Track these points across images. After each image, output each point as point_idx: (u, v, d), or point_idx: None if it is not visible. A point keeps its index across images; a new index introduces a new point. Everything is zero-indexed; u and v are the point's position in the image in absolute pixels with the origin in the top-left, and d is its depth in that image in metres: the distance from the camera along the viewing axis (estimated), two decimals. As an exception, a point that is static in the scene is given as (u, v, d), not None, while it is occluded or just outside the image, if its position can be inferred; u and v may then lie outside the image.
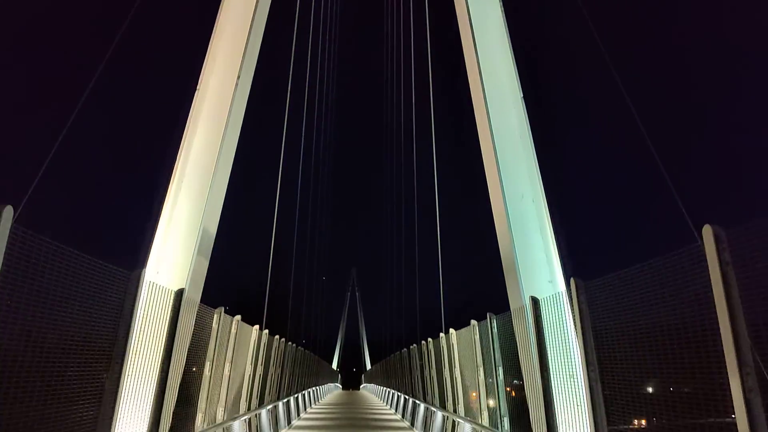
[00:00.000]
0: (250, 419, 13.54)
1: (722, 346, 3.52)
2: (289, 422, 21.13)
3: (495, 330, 9.60)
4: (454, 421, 13.32)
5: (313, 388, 35.30)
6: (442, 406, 15.21)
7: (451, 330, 13.42)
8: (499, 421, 9.27)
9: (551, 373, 8.62)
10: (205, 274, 10.74)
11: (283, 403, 19.82)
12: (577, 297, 5.91)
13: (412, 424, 21.08)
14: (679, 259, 3.89)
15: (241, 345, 12.19)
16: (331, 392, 57.41)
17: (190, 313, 8.70)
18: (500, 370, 9.48)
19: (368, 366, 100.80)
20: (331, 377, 63.49)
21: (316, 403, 36.73)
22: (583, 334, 5.80)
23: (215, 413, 10.32)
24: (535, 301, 7.44)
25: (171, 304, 7.10)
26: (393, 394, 32.53)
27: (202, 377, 9.35)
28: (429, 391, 17.76)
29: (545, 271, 10.52)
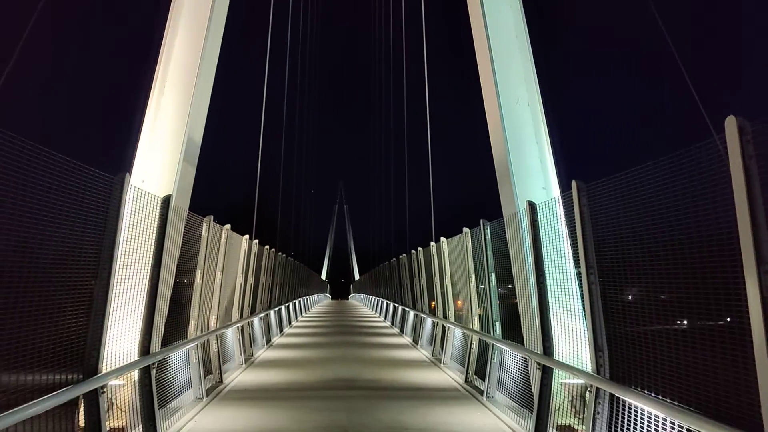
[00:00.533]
0: (242, 327, 13.68)
1: (740, 245, 3.36)
2: (281, 330, 21.55)
3: (488, 236, 9.52)
4: (444, 327, 13.53)
5: (304, 298, 35.92)
6: (432, 314, 15.44)
7: (442, 238, 13.41)
8: (491, 325, 9.36)
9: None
10: (192, 183, 10.48)
11: (275, 312, 20.09)
12: (578, 199, 5.73)
13: (402, 330, 21.56)
14: (696, 153, 3.67)
15: (232, 254, 12.10)
16: (321, 302, 58.67)
17: (179, 221, 8.51)
18: (492, 276, 9.48)
19: (357, 277, 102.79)
20: (320, 288, 64.75)
21: (307, 312, 37.50)
22: (584, 236, 5.67)
23: (208, 321, 10.35)
24: (532, 206, 7.29)
25: (159, 211, 6.87)
26: (382, 303, 33.19)
27: (193, 286, 9.28)
28: (419, 299, 18.01)
29: (539, 178, 10.36)
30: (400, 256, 21.92)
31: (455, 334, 12.79)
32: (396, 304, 24.82)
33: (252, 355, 14.31)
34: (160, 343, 7.68)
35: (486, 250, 9.62)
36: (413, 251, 18.54)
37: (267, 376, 11.70)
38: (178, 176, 9.63)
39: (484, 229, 9.66)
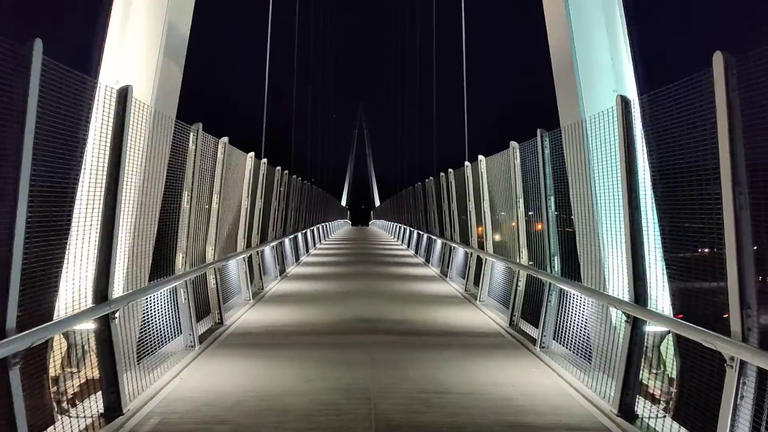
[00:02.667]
0: (250, 257, 12.06)
1: None
2: (297, 259, 19.98)
3: (547, 150, 7.59)
4: (480, 259, 11.76)
5: (322, 225, 34.45)
6: (466, 243, 13.67)
7: (480, 156, 11.45)
8: (547, 260, 7.57)
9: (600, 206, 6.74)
10: (179, 86, 8.54)
11: (290, 240, 18.51)
12: (726, 78, 3.76)
13: (427, 260, 19.92)
14: None
15: (234, 175, 10.31)
16: (340, 228, 57.51)
17: (162, 130, 6.69)
18: (551, 201, 7.61)
19: (377, 203, 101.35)
20: (340, 214, 63.53)
21: (326, 238, 36.13)
22: (731, 137, 3.73)
23: (204, 253, 8.67)
24: (626, 102, 5.31)
25: (114, 109, 5.03)
26: (404, 230, 31.59)
27: (180, 210, 7.54)
28: (448, 226, 16.23)
29: (609, 78, 8.26)
30: (427, 180, 20.01)
31: (495, 268, 11.03)
32: (421, 232, 23.13)
33: (262, 289, 12.75)
34: (131, 283, 6.01)
35: (544, 168, 7.68)
36: (442, 174, 16.62)
37: (276, 314, 10.11)
38: (158, 75, 7.69)
39: (542, 142, 7.69)
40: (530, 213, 9.08)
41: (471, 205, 12.83)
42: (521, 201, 9.04)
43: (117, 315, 5.12)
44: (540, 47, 9.81)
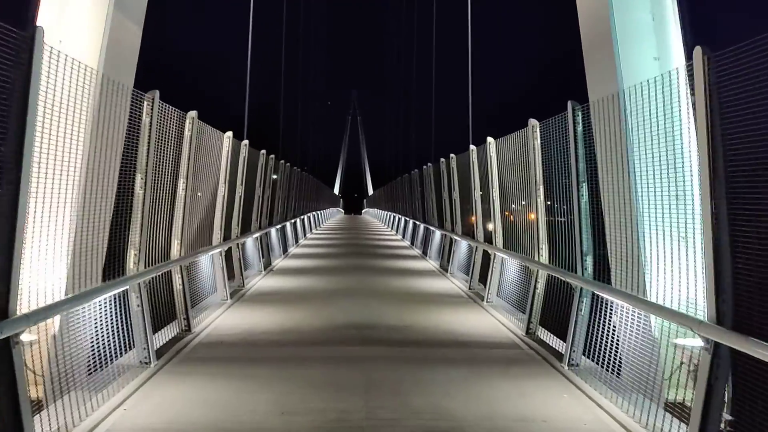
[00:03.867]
0: (229, 250, 10.74)
1: None
2: (285, 250, 18.69)
3: (579, 128, 6.27)
4: (489, 255, 10.45)
5: (314, 213, 33.11)
6: (470, 236, 12.36)
7: (489, 138, 10.11)
8: (579, 260, 6.27)
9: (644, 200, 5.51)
10: (137, 49, 7.14)
11: (277, 230, 17.17)
12: None
13: (425, 252, 18.62)
14: None
15: (207, 157, 8.95)
16: (333, 217, 56.21)
17: (113, 98, 5.35)
18: (584, 189, 6.31)
19: (370, 191, 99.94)
20: (333, 202, 62.18)
21: (318, 227, 34.81)
22: None
23: (168, 249, 7.32)
24: (708, 57, 3.98)
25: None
26: (398, 219, 30.30)
27: (133, 198, 6.19)
28: (448, 217, 14.93)
29: (650, 43, 6.93)
30: (425, 166, 18.67)
31: (506, 265, 9.73)
32: (417, 222, 21.82)
33: (242, 286, 11.41)
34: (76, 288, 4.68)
35: (576, 148, 6.35)
36: (442, 159, 15.27)
37: (256, 318, 8.79)
38: (107, 33, 6.31)
39: (573, 117, 6.34)
40: (547, 203, 7.79)
41: (476, 194, 11.52)
42: (541, 189, 7.73)
43: (21, 338, 3.77)
44: (548, 25, 8.47)
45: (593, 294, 6.17)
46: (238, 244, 11.58)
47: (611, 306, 5.91)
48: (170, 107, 6.82)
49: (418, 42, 38.61)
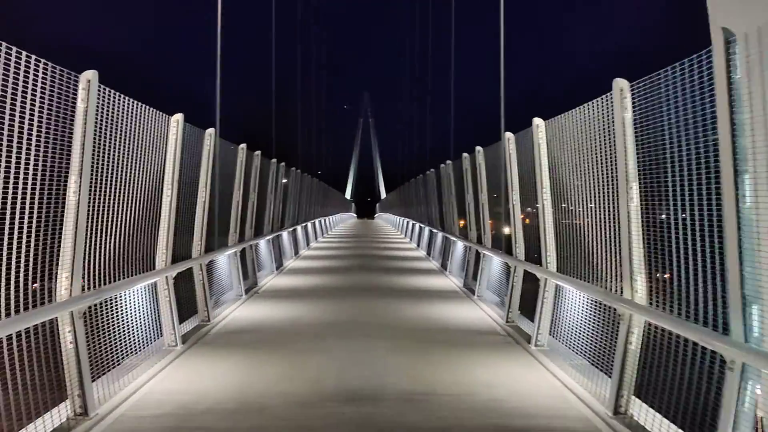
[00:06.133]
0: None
1: None
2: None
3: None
4: (542, 281, 7.63)
5: (324, 219, 30.59)
6: (505, 252, 9.58)
7: (536, 120, 7.32)
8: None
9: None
10: None
11: (267, 241, 14.48)
12: None
13: (444, 266, 15.84)
14: None
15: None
16: (344, 221, 53.60)
17: None
18: (746, 184, 3.58)
19: (383, 195, 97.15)
20: (344, 207, 59.60)
21: (327, 233, 32.16)
22: None
23: (94, 269, 4.68)
24: None
25: None
26: (412, 225, 27.56)
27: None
28: (472, 224, 12.19)
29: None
30: (442, 165, 15.85)
31: (565, 296, 6.91)
32: (434, 230, 19.04)
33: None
34: None
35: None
36: (465, 155, 12.51)
37: (211, 383, 6.06)
38: None
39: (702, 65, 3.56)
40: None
41: (513, 196, 8.75)
42: (635, 186, 4.94)
43: None
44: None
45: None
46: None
47: None
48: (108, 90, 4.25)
49: (432, 40, 35.81)
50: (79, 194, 4.74)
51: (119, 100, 5.37)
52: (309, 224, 24.30)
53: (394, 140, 68.26)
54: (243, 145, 11.07)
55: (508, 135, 8.77)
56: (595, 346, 5.76)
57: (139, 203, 6.21)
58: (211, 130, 8.61)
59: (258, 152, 12.47)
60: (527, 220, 10.78)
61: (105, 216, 5.35)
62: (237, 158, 10.92)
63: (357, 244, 27.89)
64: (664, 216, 4.56)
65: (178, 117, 7.13)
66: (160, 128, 6.71)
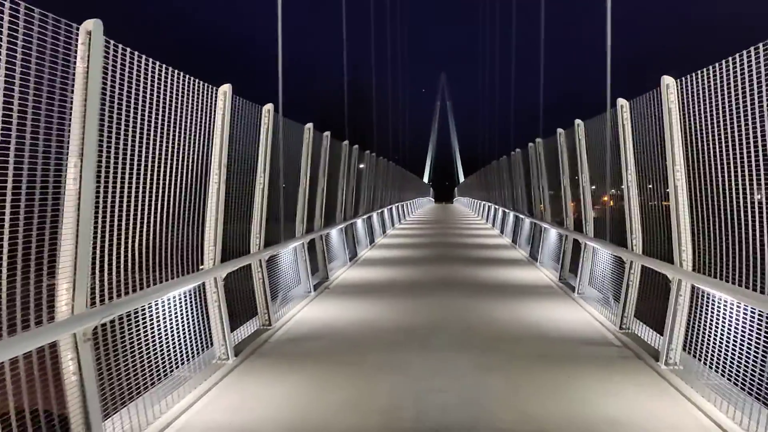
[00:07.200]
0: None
1: None
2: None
3: None
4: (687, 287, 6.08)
5: (400, 204, 29.57)
6: (607, 239, 8.02)
7: (666, 78, 5.76)
8: None
9: None
10: None
11: (339, 230, 13.42)
12: None
13: (534, 257, 14.30)
14: None
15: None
16: (423, 207, 52.47)
17: None
18: None
19: (461, 179, 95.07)
20: (422, 191, 58.35)
21: (405, 218, 31.11)
22: None
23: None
24: None
25: None
26: (494, 210, 25.99)
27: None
28: (568, 211, 10.64)
29: None
30: (533, 143, 14.21)
31: (710, 302, 5.36)
32: (520, 215, 17.47)
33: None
34: None
35: None
36: (559, 130, 10.92)
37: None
38: None
39: None
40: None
41: (630, 176, 7.18)
42: None
43: None
44: None
45: None
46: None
47: None
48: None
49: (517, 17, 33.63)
50: (81, 180, 3.67)
51: (134, 59, 4.27)
52: (386, 210, 23.31)
53: (473, 123, 66.16)
54: (309, 125, 9.95)
55: (622, 102, 7.19)
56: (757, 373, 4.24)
57: (173, 191, 5.14)
58: (269, 106, 7.52)
59: (327, 133, 11.36)
60: (612, 202, 9.19)
61: (121, 207, 4.30)
62: (303, 140, 9.83)
63: (436, 230, 26.57)
64: None
65: (226, 88, 6.04)
66: (201, 100, 5.62)
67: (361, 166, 17.08)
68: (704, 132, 5.17)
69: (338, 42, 22.12)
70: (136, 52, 4.25)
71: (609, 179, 8.45)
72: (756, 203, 4.28)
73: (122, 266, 4.29)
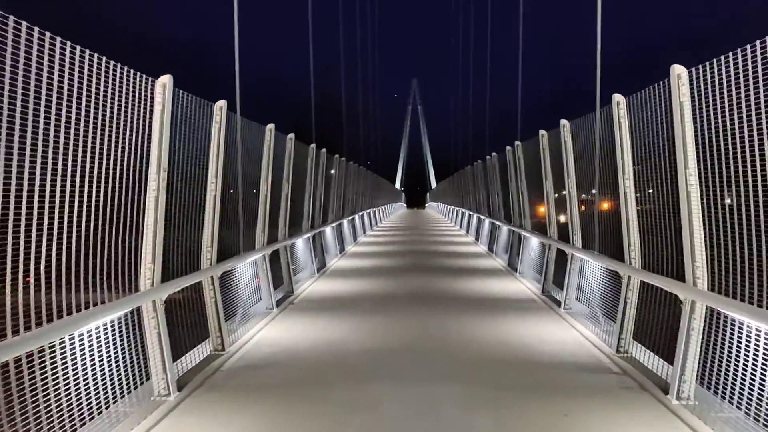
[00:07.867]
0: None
1: None
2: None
3: None
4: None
5: (371, 210, 28.68)
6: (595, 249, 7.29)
7: (678, 66, 5.03)
8: None
9: None
10: None
11: (305, 240, 12.52)
12: None
13: (513, 267, 13.57)
14: None
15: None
16: (395, 212, 51.67)
17: None
18: None
19: (433, 184, 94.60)
20: (394, 197, 57.57)
21: (377, 225, 30.25)
22: None
23: None
24: None
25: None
26: (468, 216, 25.33)
27: None
28: (551, 219, 9.93)
29: None
30: (515, 145, 13.43)
31: (729, 327, 4.62)
32: (496, 222, 16.76)
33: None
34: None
35: None
36: (542, 132, 10.20)
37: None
38: None
39: None
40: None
41: (627, 181, 6.45)
42: None
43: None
44: None
45: None
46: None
47: None
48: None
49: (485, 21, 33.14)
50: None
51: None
52: (357, 217, 22.46)
53: (444, 127, 65.71)
54: (271, 125, 9.07)
55: (618, 98, 6.46)
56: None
57: (98, 200, 4.23)
58: (221, 103, 6.62)
59: (291, 135, 10.46)
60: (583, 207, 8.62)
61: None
62: (264, 141, 8.94)
63: (409, 237, 25.76)
64: None
65: (165, 80, 5.14)
66: (132, 93, 4.70)
67: (332, 171, 16.28)
68: (725, 129, 4.42)
69: (307, 46, 21.24)
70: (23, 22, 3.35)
71: (597, 185, 7.74)
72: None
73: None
